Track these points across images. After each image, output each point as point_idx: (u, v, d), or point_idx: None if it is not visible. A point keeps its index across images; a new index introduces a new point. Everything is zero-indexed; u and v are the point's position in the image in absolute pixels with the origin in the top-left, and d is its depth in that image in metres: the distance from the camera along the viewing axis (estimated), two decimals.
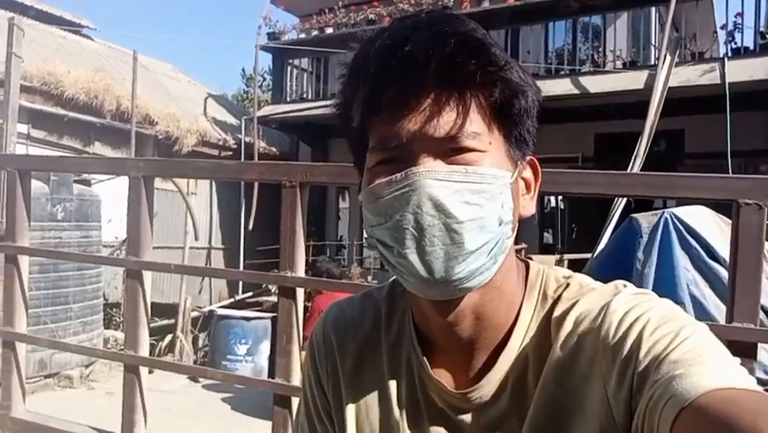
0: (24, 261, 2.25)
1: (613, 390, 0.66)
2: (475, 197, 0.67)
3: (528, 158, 0.77)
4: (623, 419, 0.64)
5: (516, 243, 0.82)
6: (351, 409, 0.83)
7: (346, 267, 9.01)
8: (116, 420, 2.11)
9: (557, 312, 0.75)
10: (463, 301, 0.72)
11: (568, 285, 0.78)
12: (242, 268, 10.46)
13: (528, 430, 0.72)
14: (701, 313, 3.28)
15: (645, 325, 0.66)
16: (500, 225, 0.69)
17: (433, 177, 0.66)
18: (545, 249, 10.67)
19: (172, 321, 8.00)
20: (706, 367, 0.58)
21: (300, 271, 1.76)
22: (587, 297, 0.75)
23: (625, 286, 0.75)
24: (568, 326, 0.73)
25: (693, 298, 3.43)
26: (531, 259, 0.86)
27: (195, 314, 8.44)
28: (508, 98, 0.69)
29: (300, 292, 1.79)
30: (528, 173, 0.78)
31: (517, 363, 0.75)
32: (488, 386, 0.75)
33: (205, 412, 5.77)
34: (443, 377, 0.78)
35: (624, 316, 0.69)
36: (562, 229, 11.34)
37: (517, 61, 0.74)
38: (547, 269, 0.82)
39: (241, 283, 10.76)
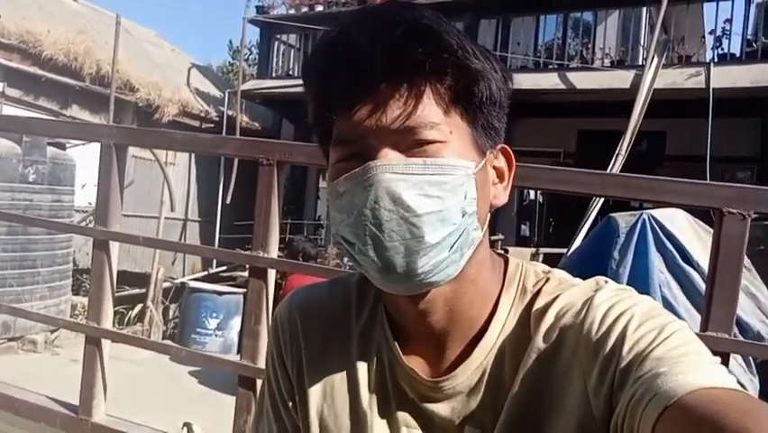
0: None
1: (593, 385, 0.65)
2: (434, 189, 0.66)
3: (500, 146, 0.76)
4: (602, 415, 0.64)
5: (492, 234, 0.80)
6: (314, 394, 0.81)
7: (323, 247, 8.97)
8: (78, 390, 2.07)
9: (537, 305, 0.74)
10: (433, 293, 0.71)
11: (548, 279, 0.77)
12: (217, 242, 10.38)
13: (504, 423, 0.70)
14: None
15: (629, 321, 0.66)
16: (463, 216, 0.68)
17: (390, 170, 0.65)
18: (522, 242, 10.73)
19: (143, 291, 7.93)
20: (690, 365, 0.58)
21: (273, 252, 1.71)
22: (569, 291, 0.74)
23: (606, 282, 0.75)
24: (549, 319, 0.72)
25: (665, 299, 3.46)
26: (507, 251, 0.85)
27: (167, 285, 8.36)
28: (467, 85, 0.68)
29: (272, 274, 1.75)
30: (501, 162, 0.77)
31: (494, 356, 0.74)
32: (461, 376, 0.74)
33: (171, 385, 5.73)
34: (416, 365, 0.76)
35: (607, 311, 0.68)
36: (539, 222, 11.41)
37: (491, 51, 0.72)
38: (526, 264, 0.81)
39: None
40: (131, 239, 2.08)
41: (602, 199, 6.70)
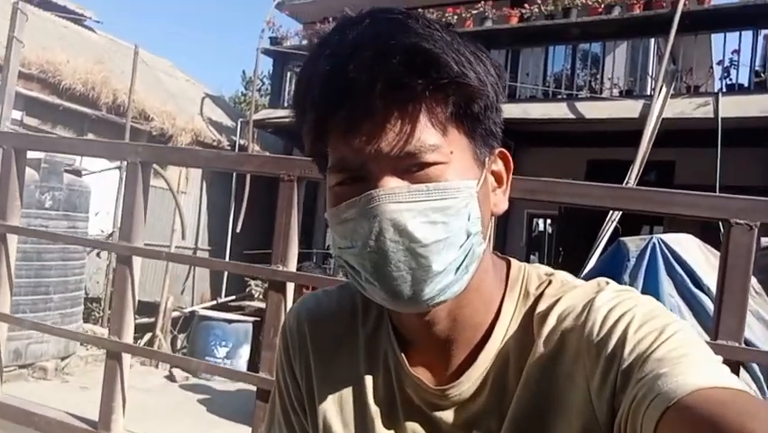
0: (13, 241, 2.22)
1: (596, 388, 0.65)
2: (439, 215, 0.65)
3: (498, 150, 0.75)
4: (606, 417, 0.64)
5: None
6: (322, 401, 0.82)
7: (332, 276, 8.97)
8: (89, 415, 2.09)
9: (540, 308, 0.74)
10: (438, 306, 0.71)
11: (550, 282, 0.77)
12: (226, 272, 10.41)
13: (510, 427, 0.71)
14: None
15: (630, 322, 0.66)
16: (468, 237, 0.68)
17: (394, 200, 0.64)
18: None
19: (152, 320, 7.93)
20: (691, 366, 0.58)
21: (292, 266, 1.75)
22: (570, 293, 0.74)
23: (607, 283, 0.75)
24: (551, 322, 0.72)
25: None
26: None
27: (176, 314, 8.38)
28: (466, 103, 0.67)
29: (290, 287, 1.78)
30: (499, 165, 0.76)
31: (498, 360, 0.74)
32: (467, 383, 0.74)
33: (181, 412, 5.72)
34: (421, 374, 0.77)
35: (608, 313, 0.68)
36: (548, 252, 11.38)
37: (481, 48, 0.70)
38: (528, 266, 0.81)
39: (224, 286, 10.70)
40: (154, 254, 2.13)
41: (612, 228, 6.71)
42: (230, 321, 7.73)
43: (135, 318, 6.50)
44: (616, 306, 0.69)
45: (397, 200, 0.64)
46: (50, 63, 8.46)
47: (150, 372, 6.98)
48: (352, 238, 0.67)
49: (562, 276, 0.79)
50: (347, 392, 0.81)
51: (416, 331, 0.77)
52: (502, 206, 0.76)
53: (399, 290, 0.66)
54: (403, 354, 0.78)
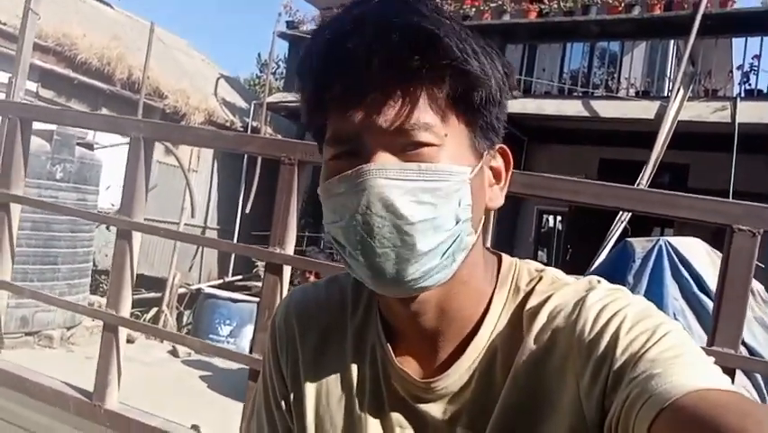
0: (16, 210, 2.24)
1: (585, 387, 0.65)
2: (428, 195, 0.65)
3: (498, 146, 0.74)
4: (594, 417, 0.64)
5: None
6: (310, 394, 0.81)
7: (338, 260, 8.97)
8: (90, 385, 2.10)
9: (530, 304, 0.74)
10: (425, 295, 0.71)
11: (541, 278, 0.76)
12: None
13: (496, 423, 0.70)
14: None
15: (622, 322, 0.65)
16: (457, 223, 0.67)
17: (384, 175, 0.64)
18: None
19: (159, 295, 8.00)
20: (685, 367, 0.58)
21: (289, 249, 1.75)
22: (561, 291, 0.73)
23: (599, 282, 0.74)
24: (541, 319, 0.71)
25: None
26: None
27: (182, 290, 8.44)
28: (465, 90, 0.66)
29: (287, 270, 1.78)
30: (498, 162, 0.76)
31: (485, 355, 0.73)
32: (453, 377, 0.73)
33: (181, 388, 5.76)
34: (408, 366, 0.76)
35: (600, 312, 0.68)
36: (557, 249, 11.35)
37: (493, 45, 0.70)
38: (520, 262, 0.80)
39: (231, 265, 10.76)
40: (153, 230, 2.13)
41: (621, 227, 6.67)
42: (235, 300, 7.77)
43: (142, 293, 6.57)
44: (607, 305, 0.68)
45: (387, 176, 0.64)
46: (67, 36, 8.50)
47: (153, 345, 7.03)
48: (340, 212, 0.67)
49: (553, 273, 0.78)
50: (334, 386, 0.81)
51: (404, 322, 0.76)
52: (498, 201, 0.75)
53: (382, 268, 0.65)
54: (389, 346, 0.77)
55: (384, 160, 0.65)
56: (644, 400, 0.55)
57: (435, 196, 0.65)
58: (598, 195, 1.44)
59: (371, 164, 0.65)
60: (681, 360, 0.59)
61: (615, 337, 0.64)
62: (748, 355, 2.45)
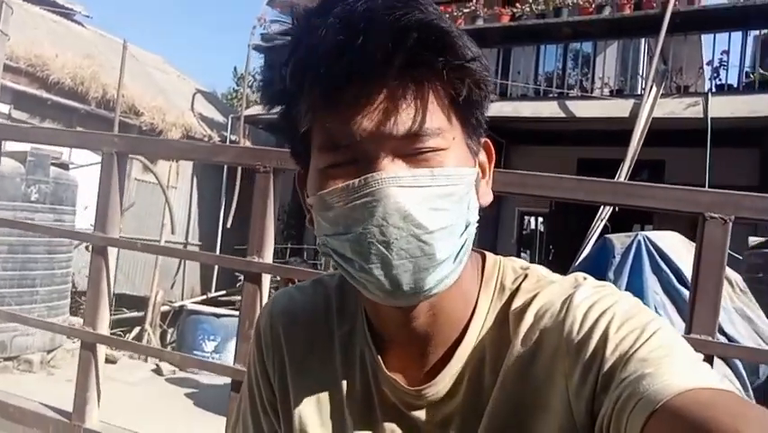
0: None
1: (575, 387, 0.64)
2: (442, 201, 0.63)
3: (483, 140, 0.73)
4: (584, 417, 0.63)
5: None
6: (298, 401, 0.79)
7: (321, 271, 8.94)
8: (71, 404, 2.07)
9: (516, 304, 0.72)
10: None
11: (526, 276, 0.75)
12: (216, 267, 10.37)
13: (487, 427, 0.69)
14: None
15: (611, 321, 0.64)
16: (467, 226, 0.66)
17: (397, 184, 0.61)
18: None
19: (141, 314, 7.91)
20: (675, 366, 0.57)
21: (268, 257, 1.74)
22: (547, 289, 0.72)
23: (585, 279, 0.73)
24: (528, 319, 0.70)
25: None
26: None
27: (165, 308, 8.34)
28: (469, 91, 0.64)
29: (266, 279, 1.77)
30: (482, 156, 0.74)
31: (473, 358, 0.72)
32: (442, 382, 0.72)
33: (166, 406, 5.69)
34: (398, 372, 0.75)
35: (587, 311, 0.67)
36: (539, 250, 11.41)
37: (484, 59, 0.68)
38: (504, 259, 0.79)
39: (214, 280, 10.67)
40: (129, 245, 2.11)
41: (601, 225, 6.72)
42: (218, 315, 7.70)
43: (124, 312, 6.48)
44: (595, 303, 0.67)
45: (401, 184, 0.61)
46: (39, 57, 8.42)
47: (137, 365, 6.94)
48: (345, 225, 0.63)
49: (538, 270, 0.77)
50: (323, 392, 0.79)
51: (395, 327, 0.74)
52: (488, 197, 0.73)
53: (399, 280, 0.62)
54: (379, 357, 0.76)
55: (393, 167, 0.62)
56: (636, 401, 0.55)
57: (449, 201, 0.63)
58: (572, 189, 1.45)
59: (382, 173, 0.61)
60: (671, 359, 0.58)
61: (604, 337, 0.63)
62: (726, 342, 2.47)
